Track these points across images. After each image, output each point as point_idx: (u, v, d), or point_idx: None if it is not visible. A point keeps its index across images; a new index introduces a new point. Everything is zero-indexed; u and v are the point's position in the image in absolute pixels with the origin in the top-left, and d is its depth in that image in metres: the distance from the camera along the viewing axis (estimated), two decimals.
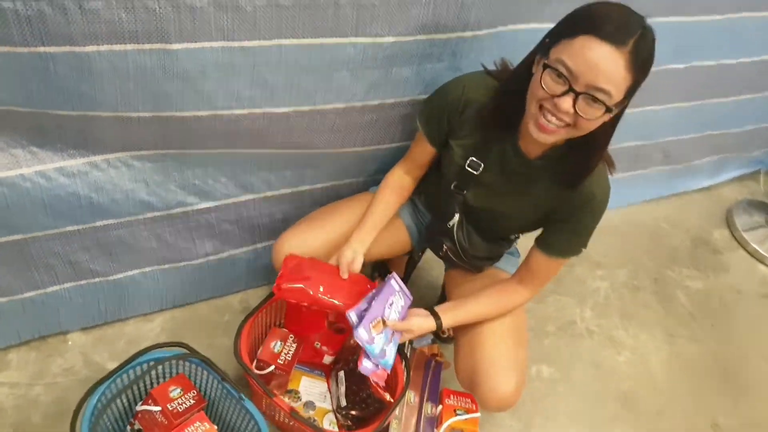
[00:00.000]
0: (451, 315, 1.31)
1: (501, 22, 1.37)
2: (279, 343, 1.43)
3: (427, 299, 1.79)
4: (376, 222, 1.38)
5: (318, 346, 1.50)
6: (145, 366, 1.26)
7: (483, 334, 1.32)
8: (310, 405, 1.47)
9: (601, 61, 0.97)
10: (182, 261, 1.51)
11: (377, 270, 1.80)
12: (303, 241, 1.40)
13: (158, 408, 1.24)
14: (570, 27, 1.01)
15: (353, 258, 1.32)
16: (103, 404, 1.18)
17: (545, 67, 1.02)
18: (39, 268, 1.34)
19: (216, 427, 1.26)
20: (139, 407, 1.27)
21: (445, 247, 1.41)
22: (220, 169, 1.40)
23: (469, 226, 1.36)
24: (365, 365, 1.20)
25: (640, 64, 0.99)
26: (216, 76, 1.14)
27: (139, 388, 1.30)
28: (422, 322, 1.28)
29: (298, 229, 1.42)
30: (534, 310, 1.88)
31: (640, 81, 1.02)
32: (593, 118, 1.02)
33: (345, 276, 1.30)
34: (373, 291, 1.28)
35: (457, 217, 1.34)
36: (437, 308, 1.31)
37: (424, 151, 1.34)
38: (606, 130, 1.08)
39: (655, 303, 2.04)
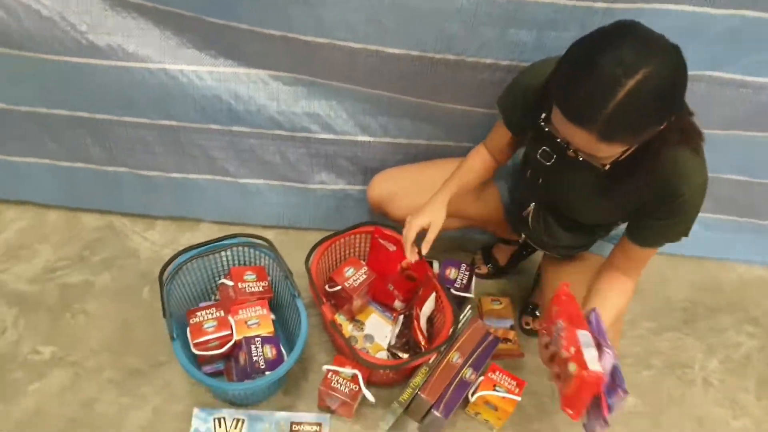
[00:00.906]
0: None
1: None
2: (352, 269, 1.52)
3: (521, 285, 1.75)
4: (461, 179, 1.35)
5: (391, 288, 1.56)
6: (227, 244, 1.49)
7: None
8: (369, 338, 1.54)
9: (575, 139, 0.95)
10: (300, 183, 1.70)
11: (485, 257, 1.78)
12: (398, 174, 1.51)
13: (231, 283, 1.44)
14: (552, 87, 0.97)
15: (429, 223, 1.27)
16: (185, 260, 1.43)
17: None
18: (185, 155, 1.63)
19: (273, 316, 1.43)
20: (221, 280, 1.49)
21: (523, 235, 1.38)
22: (343, 105, 1.54)
23: (548, 216, 1.31)
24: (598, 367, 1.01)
25: (621, 131, 0.91)
26: (334, 6, 1.28)
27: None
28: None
29: (396, 167, 1.52)
30: (645, 337, 1.69)
31: (635, 138, 0.94)
32: (606, 162, 1.00)
33: (412, 258, 1.31)
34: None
35: (532, 206, 1.31)
36: None
37: (503, 136, 1.31)
38: (657, 138, 0.98)
39: None
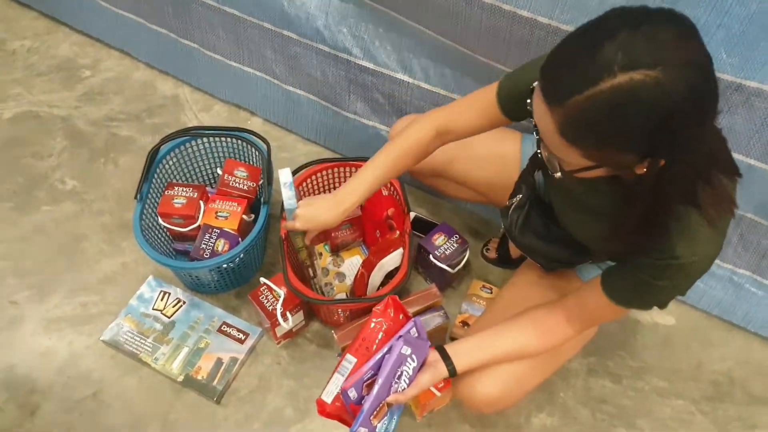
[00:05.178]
0: (467, 356, 1.03)
1: None
2: None
3: None
4: (386, 172, 1.14)
5: (378, 234, 1.48)
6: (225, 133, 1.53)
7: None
8: (341, 276, 1.50)
9: (540, 121, 0.74)
10: (335, 106, 1.66)
11: (501, 242, 1.58)
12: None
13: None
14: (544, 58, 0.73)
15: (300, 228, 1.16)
16: (184, 140, 1.50)
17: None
18: (243, 47, 1.68)
19: (249, 218, 1.44)
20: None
21: (502, 227, 1.20)
22: (388, 37, 1.46)
23: (533, 216, 1.12)
24: None
25: (584, 132, 0.69)
26: None
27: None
28: (430, 377, 1.02)
29: (419, 114, 1.40)
30: (645, 394, 1.41)
31: (597, 150, 0.71)
32: (561, 171, 0.79)
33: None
34: (382, 352, 1.01)
35: (518, 197, 1.13)
36: (449, 347, 1.04)
37: (484, 115, 1.05)
38: (653, 190, 0.75)
39: None
